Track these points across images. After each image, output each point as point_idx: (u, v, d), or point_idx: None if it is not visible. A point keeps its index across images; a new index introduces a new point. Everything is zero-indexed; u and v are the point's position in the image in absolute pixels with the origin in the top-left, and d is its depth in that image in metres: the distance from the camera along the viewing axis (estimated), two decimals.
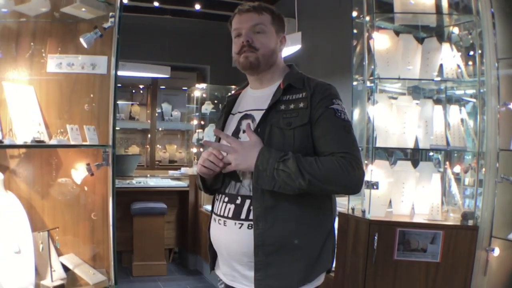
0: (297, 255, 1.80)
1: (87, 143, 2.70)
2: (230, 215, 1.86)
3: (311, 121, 1.79)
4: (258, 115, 1.87)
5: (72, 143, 2.66)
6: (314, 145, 1.79)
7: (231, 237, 1.84)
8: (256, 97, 1.97)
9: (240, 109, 2.00)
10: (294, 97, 1.84)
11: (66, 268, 2.70)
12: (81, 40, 2.65)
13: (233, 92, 2.16)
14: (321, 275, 1.90)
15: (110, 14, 2.68)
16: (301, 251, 1.80)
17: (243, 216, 1.82)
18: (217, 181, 1.96)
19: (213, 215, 1.96)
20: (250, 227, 1.79)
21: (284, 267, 1.79)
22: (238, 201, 1.85)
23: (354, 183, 1.73)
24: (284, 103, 1.84)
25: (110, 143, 2.74)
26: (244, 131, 1.89)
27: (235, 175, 1.89)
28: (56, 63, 2.79)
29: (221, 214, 1.89)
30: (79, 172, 2.77)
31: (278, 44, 1.94)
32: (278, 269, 1.78)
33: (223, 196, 1.92)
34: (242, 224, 1.81)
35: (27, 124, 2.64)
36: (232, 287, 1.93)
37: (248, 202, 1.82)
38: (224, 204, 1.89)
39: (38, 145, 2.56)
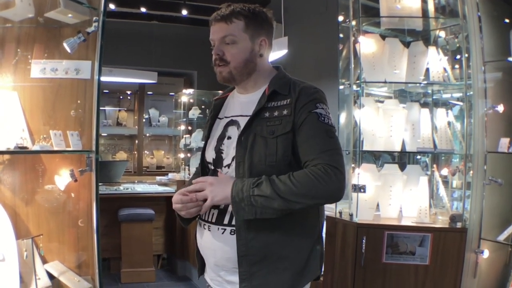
0: (283, 264, 1.76)
1: (71, 148, 2.67)
2: (213, 220, 1.83)
3: (294, 128, 1.74)
4: (243, 122, 1.83)
5: (56, 149, 2.63)
6: (297, 151, 1.74)
7: (214, 243, 1.81)
8: (242, 102, 1.92)
9: (227, 114, 1.97)
10: (279, 103, 1.79)
11: (51, 276, 2.66)
12: (64, 44, 2.61)
13: (220, 94, 2.11)
14: (308, 284, 1.87)
15: (94, 18, 2.65)
16: (287, 260, 1.77)
17: (226, 221, 1.80)
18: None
19: (199, 220, 1.93)
20: (232, 233, 1.76)
21: (270, 277, 1.75)
22: (222, 206, 1.81)
23: (332, 192, 1.67)
24: (268, 110, 1.80)
25: (94, 148, 2.71)
26: (229, 137, 1.87)
27: None
28: (40, 68, 2.75)
29: (205, 219, 1.86)
30: (62, 178, 2.73)
31: (257, 49, 1.86)
32: (263, 279, 1.75)
33: None
34: (225, 229, 1.78)
35: (11, 130, 2.60)
36: None
37: (231, 207, 1.77)
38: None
39: (19, 151, 2.51)
